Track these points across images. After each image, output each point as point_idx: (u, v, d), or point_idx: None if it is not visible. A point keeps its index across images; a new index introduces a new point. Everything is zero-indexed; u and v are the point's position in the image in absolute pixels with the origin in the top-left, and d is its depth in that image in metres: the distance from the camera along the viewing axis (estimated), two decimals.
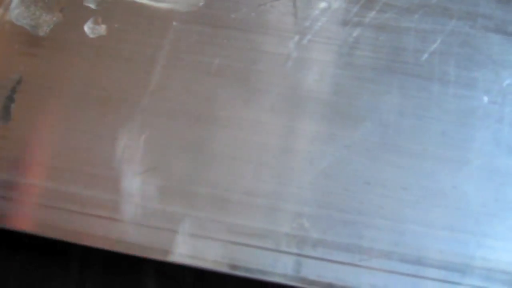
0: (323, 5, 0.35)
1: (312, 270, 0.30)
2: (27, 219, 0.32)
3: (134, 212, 0.31)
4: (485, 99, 0.33)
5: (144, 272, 0.40)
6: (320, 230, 0.31)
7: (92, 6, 0.36)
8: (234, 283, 0.35)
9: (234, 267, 0.30)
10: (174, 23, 0.35)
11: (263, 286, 0.31)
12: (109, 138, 0.33)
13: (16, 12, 0.36)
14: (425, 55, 0.34)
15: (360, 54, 0.34)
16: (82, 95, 0.34)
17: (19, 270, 0.40)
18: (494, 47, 0.34)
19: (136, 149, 0.33)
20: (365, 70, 0.34)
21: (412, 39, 0.35)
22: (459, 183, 0.31)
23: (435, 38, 0.35)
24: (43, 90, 0.35)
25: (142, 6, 0.36)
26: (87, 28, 0.36)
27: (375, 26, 0.35)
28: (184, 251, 0.31)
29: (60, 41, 0.36)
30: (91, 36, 0.36)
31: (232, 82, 0.34)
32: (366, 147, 0.32)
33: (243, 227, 0.31)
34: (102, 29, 0.36)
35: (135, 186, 0.32)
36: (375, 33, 0.35)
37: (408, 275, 0.30)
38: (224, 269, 0.30)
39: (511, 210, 0.31)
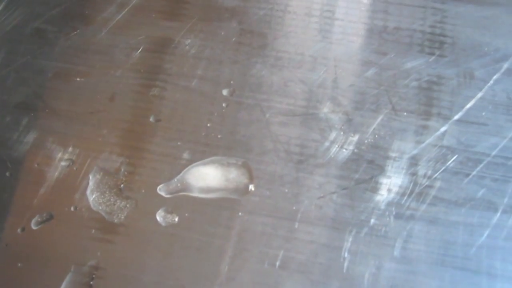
0: (377, 198, 0.38)
1: None
2: None
3: None
4: None
5: None
6: None
7: (164, 194, 0.39)
8: None
9: None
10: (240, 213, 0.38)
11: None
12: None
13: (92, 198, 0.39)
14: (473, 249, 0.37)
15: (414, 247, 0.37)
16: (157, 284, 0.37)
17: None
18: None
19: None
20: (419, 263, 0.37)
21: (461, 232, 0.38)
22: None
23: (482, 232, 0.38)
24: (119, 278, 0.38)
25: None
26: (159, 216, 0.39)
27: (426, 220, 0.38)
28: None
29: (134, 228, 0.39)
30: (163, 224, 0.38)
31: (296, 274, 0.37)
32: None
33: None
34: (173, 217, 0.39)
35: None
36: (427, 227, 0.38)
37: None
38: None
39: None
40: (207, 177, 0.39)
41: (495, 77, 0.41)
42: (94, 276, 0.37)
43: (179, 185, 0.39)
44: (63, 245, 0.39)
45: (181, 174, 0.39)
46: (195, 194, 0.39)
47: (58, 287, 0.37)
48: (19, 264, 0.38)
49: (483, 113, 0.40)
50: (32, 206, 0.40)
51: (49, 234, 0.39)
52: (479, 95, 0.41)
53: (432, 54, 0.42)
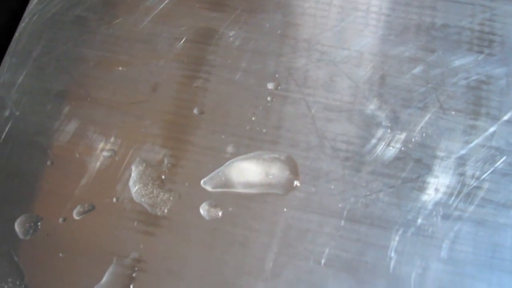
0: (425, 198, 0.38)
1: None
2: None
3: None
4: None
5: None
6: None
7: (208, 188, 0.39)
8: None
9: None
10: (285, 209, 0.38)
11: None
12: None
13: (135, 190, 0.39)
14: None
15: (461, 249, 0.37)
16: (199, 278, 0.37)
17: None
18: None
19: None
20: (466, 265, 0.36)
21: (509, 235, 0.37)
22: None
23: None
24: (161, 271, 0.37)
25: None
26: (202, 210, 0.38)
27: (474, 221, 0.37)
28: None
29: (177, 222, 0.38)
30: (207, 218, 0.38)
31: (341, 273, 0.36)
32: None
33: None
34: (217, 211, 0.38)
35: None
36: (475, 228, 0.37)
37: None
38: None
39: None
40: (247, 172, 0.38)
41: None
42: (136, 268, 0.37)
43: (223, 179, 0.39)
44: (105, 236, 0.38)
45: (221, 168, 0.39)
46: (238, 189, 0.38)
47: (100, 278, 0.37)
48: (60, 254, 0.38)
49: None
50: (74, 196, 0.39)
51: (91, 225, 0.38)
52: None
53: (481, 52, 0.42)
